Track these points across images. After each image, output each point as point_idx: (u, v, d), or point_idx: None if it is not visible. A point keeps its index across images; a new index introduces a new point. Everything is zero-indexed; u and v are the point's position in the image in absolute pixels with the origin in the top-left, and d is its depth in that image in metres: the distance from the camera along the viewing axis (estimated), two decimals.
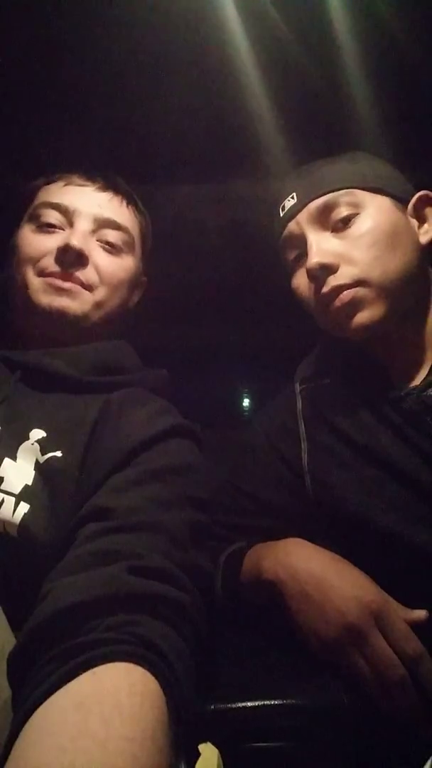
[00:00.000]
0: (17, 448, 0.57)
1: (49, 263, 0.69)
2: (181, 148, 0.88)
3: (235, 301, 1.03)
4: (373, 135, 0.80)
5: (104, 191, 0.75)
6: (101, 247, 0.73)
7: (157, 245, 0.85)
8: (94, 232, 0.73)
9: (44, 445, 0.57)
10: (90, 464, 0.57)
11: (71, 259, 0.69)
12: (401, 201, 0.75)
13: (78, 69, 0.79)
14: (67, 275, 0.69)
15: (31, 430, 0.58)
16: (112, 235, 0.74)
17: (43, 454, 0.57)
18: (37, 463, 0.56)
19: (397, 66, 0.77)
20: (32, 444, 0.57)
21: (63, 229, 0.72)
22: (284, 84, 0.77)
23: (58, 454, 0.57)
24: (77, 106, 0.84)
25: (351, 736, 0.56)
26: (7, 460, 0.55)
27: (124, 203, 0.77)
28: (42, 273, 0.69)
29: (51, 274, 0.69)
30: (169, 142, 0.87)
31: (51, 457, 0.56)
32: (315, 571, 0.61)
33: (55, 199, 0.73)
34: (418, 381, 0.72)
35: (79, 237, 0.70)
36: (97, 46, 0.76)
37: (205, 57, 0.75)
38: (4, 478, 0.54)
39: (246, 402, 1.20)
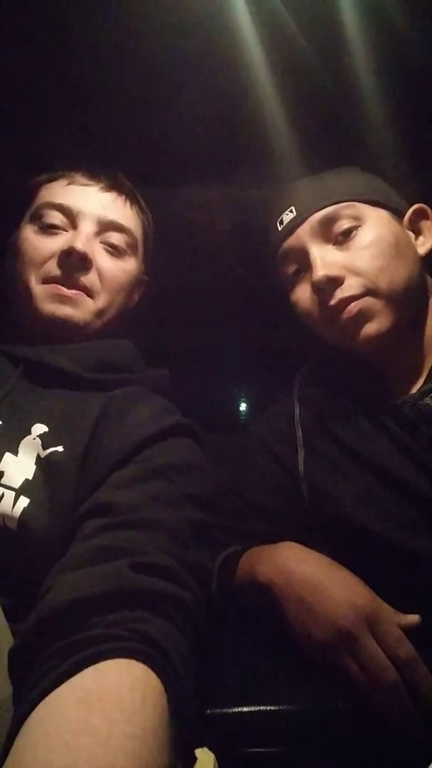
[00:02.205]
0: (18, 443, 0.56)
1: (52, 268, 0.69)
2: (188, 149, 0.88)
3: (237, 304, 1.04)
4: (383, 139, 0.81)
5: (108, 191, 0.75)
6: (104, 249, 0.72)
7: (160, 246, 0.85)
8: (97, 234, 0.72)
9: (46, 440, 0.57)
10: (91, 461, 0.56)
11: (74, 262, 0.68)
12: (398, 214, 0.76)
13: (84, 68, 0.79)
14: (70, 281, 0.69)
15: (32, 424, 0.58)
16: (115, 238, 0.73)
17: (44, 449, 0.56)
18: (38, 457, 0.56)
19: (410, 71, 0.78)
20: (34, 439, 0.57)
21: (66, 231, 0.71)
22: (293, 86, 0.77)
23: (60, 449, 0.57)
24: (83, 105, 0.84)
25: (347, 741, 0.56)
26: (7, 455, 0.55)
27: (128, 204, 0.77)
28: (46, 279, 0.69)
29: (54, 280, 0.68)
30: (176, 143, 0.87)
31: (52, 452, 0.56)
32: (308, 574, 0.61)
33: (58, 200, 0.72)
34: (414, 389, 0.73)
35: (83, 240, 0.69)
36: (103, 45, 0.76)
37: (213, 57, 0.75)
38: (5, 473, 0.54)
39: (244, 406, 1.20)
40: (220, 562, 0.72)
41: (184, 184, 0.94)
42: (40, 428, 0.58)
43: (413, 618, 0.59)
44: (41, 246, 0.70)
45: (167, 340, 1.03)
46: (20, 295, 0.70)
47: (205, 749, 0.50)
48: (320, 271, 0.71)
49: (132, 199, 0.78)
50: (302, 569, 0.62)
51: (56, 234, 0.71)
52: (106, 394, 0.64)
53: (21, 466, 0.55)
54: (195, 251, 0.99)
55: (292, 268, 0.78)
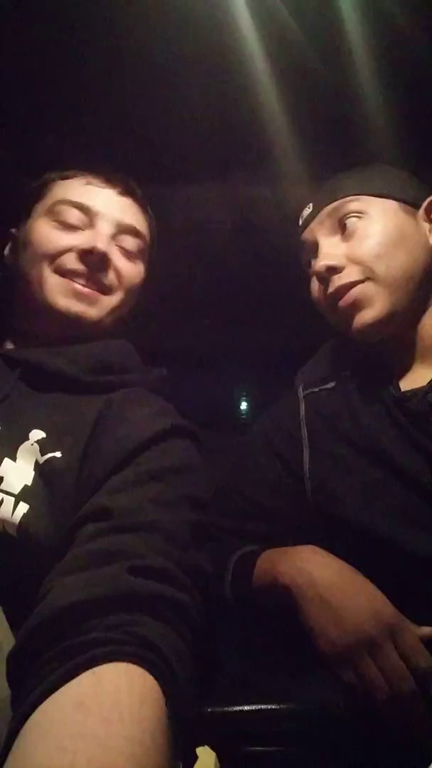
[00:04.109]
0: (17, 449, 0.56)
1: (69, 261, 0.69)
2: (190, 148, 0.89)
3: (236, 303, 1.04)
4: (385, 137, 0.82)
5: (124, 196, 0.76)
6: (119, 251, 0.74)
7: (162, 245, 0.86)
8: (113, 236, 0.73)
9: (44, 446, 0.57)
10: (90, 464, 0.57)
11: (95, 262, 0.69)
12: (412, 205, 0.77)
13: (84, 68, 0.80)
14: (89, 279, 0.70)
15: (30, 430, 0.58)
16: (129, 241, 0.75)
17: (42, 455, 0.56)
18: (36, 463, 0.56)
19: (411, 69, 0.79)
20: (32, 444, 0.57)
21: (83, 229, 0.72)
22: (296, 86, 0.79)
23: (58, 454, 0.57)
24: (86, 105, 0.84)
25: (348, 740, 0.56)
26: (6, 461, 0.55)
27: (141, 210, 0.78)
28: (61, 270, 0.69)
29: (73, 274, 0.69)
30: (178, 143, 0.88)
31: (51, 458, 0.56)
32: (332, 579, 0.62)
33: (77, 198, 0.72)
34: (423, 382, 0.73)
35: (103, 240, 0.70)
36: (103, 45, 0.76)
37: (216, 57, 0.76)
38: (4, 478, 0.54)
39: (244, 405, 1.20)
40: (235, 562, 0.72)
41: (184, 184, 0.95)
42: (37, 434, 0.58)
43: (430, 630, 0.59)
44: (57, 240, 0.70)
45: (166, 339, 1.03)
46: (28, 286, 0.70)
47: (206, 748, 0.51)
48: (321, 261, 0.75)
49: (144, 205, 0.79)
50: (326, 574, 0.63)
51: (74, 231, 0.71)
52: (105, 397, 0.64)
53: (20, 471, 0.55)
54: (194, 251, 0.99)
55: (308, 260, 0.81)
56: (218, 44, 0.75)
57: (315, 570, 0.63)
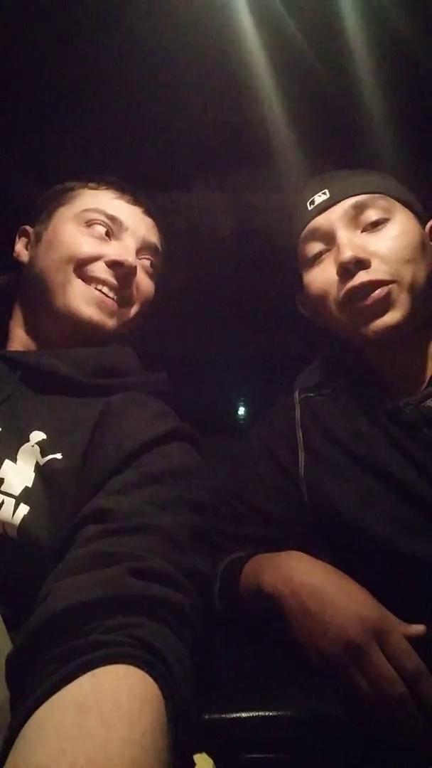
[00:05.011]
0: (17, 450, 0.56)
1: (98, 269, 0.70)
2: (191, 155, 0.90)
3: (235, 308, 1.04)
4: (388, 147, 0.83)
5: (149, 216, 0.78)
6: (140, 267, 0.76)
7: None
8: (138, 252, 0.75)
9: (44, 448, 0.57)
10: (90, 466, 0.57)
11: (124, 274, 0.71)
12: (420, 221, 0.78)
13: (89, 74, 0.81)
14: (114, 288, 0.71)
15: (31, 431, 0.58)
16: (150, 259, 0.78)
17: (43, 456, 0.56)
18: (37, 465, 0.56)
19: (412, 72, 0.79)
20: (32, 446, 0.57)
21: (111, 241, 0.73)
22: (300, 95, 0.80)
23: (58, 456, 0.57)
24: (88, 111, 0.85)
25: (345, 747, 0.56)
26: (7, 462, 0.55)
27: (159, 231, 0.80)
28: (86, 277, 0.70)
29: (99, 282, 0.70)
30: (179, 149, 0.89)
31: (51, 459, 0.56)
32: (316, 586, 0.61)
33: (111, 211, 0.74)
34: (417, 392, 0.73)
35: (132, 255, 0.73)
36: (105, 50, 0.77)
37: (221, 66, 0.77)
38: (4, 480, 0.54)
39: (242, 410, 1.20)
40: (223, 568, 0.72)
41: (185, 190, 0.95)
42: (38, 435, 0.58)
43: (419, 628, 0.58)
44: (88, 246, 0.71)
45: (167, 344, 1.04)
46: (49, 287, 0.70)
47: (204, 755, 0.50)
48: (348, 252, 0.71)
49: (161, 227, 0.81)
50: (309, 580, 0.62)
51: (103, 241, 0.72)
52: (105, 400, 0.64)
53: (20, 473, 0.55)
54: (194, 256, 1.00)
55: (315, 248, 0.78)
56: (219, 50, 0.76)
57: (299, 578, 0.62)
